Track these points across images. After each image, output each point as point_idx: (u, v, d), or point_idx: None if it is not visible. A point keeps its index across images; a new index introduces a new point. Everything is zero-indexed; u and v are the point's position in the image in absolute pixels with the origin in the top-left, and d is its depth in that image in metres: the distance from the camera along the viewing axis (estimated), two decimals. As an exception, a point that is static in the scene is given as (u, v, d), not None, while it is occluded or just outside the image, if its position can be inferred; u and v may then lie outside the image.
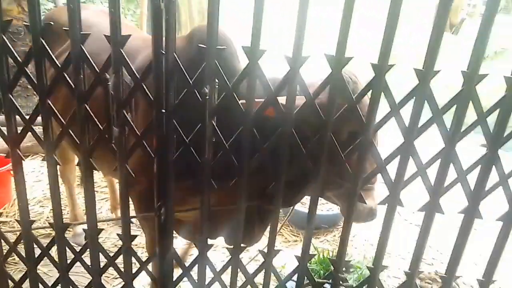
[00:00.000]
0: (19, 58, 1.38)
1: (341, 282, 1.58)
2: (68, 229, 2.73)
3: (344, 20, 1.20)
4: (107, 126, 1.39)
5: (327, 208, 3.21)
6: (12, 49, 1.37)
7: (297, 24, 1.21)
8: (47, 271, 2.33)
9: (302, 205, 3.06)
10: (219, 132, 1.36)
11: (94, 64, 1.33)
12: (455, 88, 1.26)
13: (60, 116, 1.42)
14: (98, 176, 3.55)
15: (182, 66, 1.29)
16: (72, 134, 1.44)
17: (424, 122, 1.29)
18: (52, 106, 1.40)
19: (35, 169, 3.64)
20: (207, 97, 1.29)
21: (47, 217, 2.99)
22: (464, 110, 1.25)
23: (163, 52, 1.27)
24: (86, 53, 1.32)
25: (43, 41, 1.33)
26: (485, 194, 1.36)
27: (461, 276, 1.52)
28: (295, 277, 1.60)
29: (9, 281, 1.77)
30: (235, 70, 1.56)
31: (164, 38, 1.26)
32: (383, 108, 1.29)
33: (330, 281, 1.60)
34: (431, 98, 1.25)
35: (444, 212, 1.39)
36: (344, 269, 1.59)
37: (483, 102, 1.24)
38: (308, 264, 1.69)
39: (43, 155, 1.50)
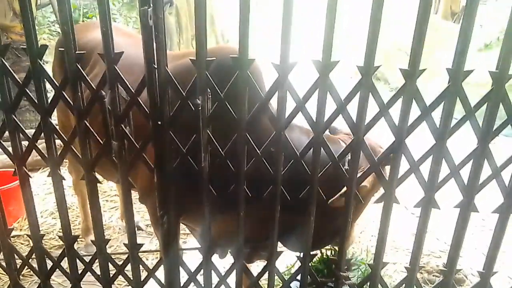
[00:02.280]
0: (19, 80, 1.43)
1: (343, 280, 1.61)
2: (80, 239, 2.81)
3: (328, 24, 1.22)
4: (107, 140, 1.44)
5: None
6: (12, 72, 1.43)
7: (283, 30, 1.25)
8: (62, 282, 2.39)
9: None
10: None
11: (90, 82, 1.38)
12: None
13: (62, 134, 1.48)
14: (107, 185, 3.61)
15: (174, 79, 1.33)
16: (74, 149, 1.49)
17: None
18: (53, 124, 1.46)
19: (46, 181, 3.72)
20: (200, 108, 1.32)
21: (59, 229, 3.06)
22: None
23: (155, 66, 1.31)
24: (83, 71, 1.37)
25: (40, 63, 1.38)
26: (479, 188, 1.38)
27: (462, 269, 1.54)
28: (299, 277, 1.64)
29: (25, 293, 1.84)
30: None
31: (155, 53, 1.30)
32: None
33: (333, 279, 1.63)
34: (419, 97, 1.27)
35: (440, 207, 1.41)
36: (346, 267, 1.62)
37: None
38: (312, 264, 1.72)
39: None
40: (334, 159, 1.39)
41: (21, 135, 1.52)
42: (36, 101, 1.44)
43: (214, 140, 1.41)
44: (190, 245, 2.72)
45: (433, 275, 2.35)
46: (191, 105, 1.36)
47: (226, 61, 1.33)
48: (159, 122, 1.39)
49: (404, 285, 1.58)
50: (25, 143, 1.52)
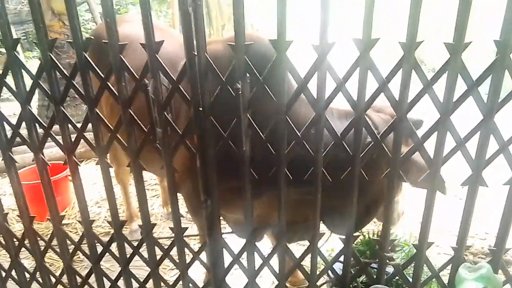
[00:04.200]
0: (66, 73, 1.49)
1: (388, 261, 1.60)
2: (125, 226, 2.92)
3: (368, 2, 1.20)
4: (151, 128, 1.48)
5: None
6: (60, 65, 1.49)
7: (321, 10, 1.24)
8: (109, 266, 2.50)
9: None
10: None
11: (133, 71, 1.42)
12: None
13: (108, 123, 1.53)
14: (148, 175, 3.72)
15: (214, 66, 1.35)
16: (120, 138, 1.55)
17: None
18: (100, 114, 1.52)
19: (89, 173, 3.87)
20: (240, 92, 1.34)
21: (105, 217, 3.20)
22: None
23: (195, 53, 1.33)
24: (126, 62, 1.41)
25: (86, 55, 1.43)
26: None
27: (511, 248, 1.49)
28: (342, 259, 1.64)
29: (77, 277, 1.94)
30: None
31: (194, 40, 1.32)
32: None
33: (376, 260, 1.63)
34: (465, 72, 1.23)
35: (487, 185, 1.37)
36: (389, 248, 1.60)
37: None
38: (355, 245, 1.72)
39: (96, 159, 1.63)
40: (376, 139, 1.38)
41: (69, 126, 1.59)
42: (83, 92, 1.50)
43: (254, 124, 1.42)
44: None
45: (478, 257, 2.29)
46: (231, 90, 1.38)
47: (264, 45, 1.33)
48: (200, 108, 1.42)
49: (450, 265, 1.56)
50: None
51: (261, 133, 1.43)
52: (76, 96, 4.77)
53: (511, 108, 1.35)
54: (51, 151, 3.82)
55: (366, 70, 1.28)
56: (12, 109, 4.80)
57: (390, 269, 1.68)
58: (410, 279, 1.62)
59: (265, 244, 2.59)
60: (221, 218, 1.66)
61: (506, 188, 1.41)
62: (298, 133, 1.41)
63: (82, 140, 1.60)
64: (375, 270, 1.66)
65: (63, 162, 1.68)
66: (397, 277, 1.66)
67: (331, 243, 2.16)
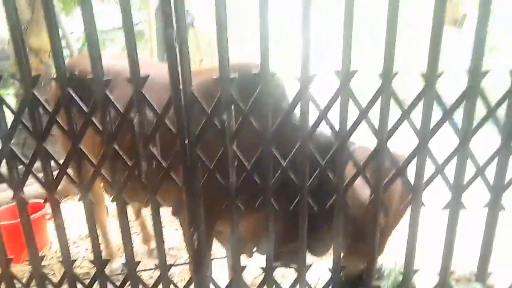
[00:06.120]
0: (49, 109, 1.49)
1: (375, 289, 1.60)
2: (105, 266, 2.82)
3: (346, 35, 1.27)
4: (136, 162, 1.47)
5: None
6: (43, 102, 1.48)
7: (303, 44, 1.29)
8: (89, 309, 2.39)
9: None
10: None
11: (118, 107, 1.42)
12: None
13: (92, 159, 1.52)
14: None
15: (199, 100, 1.38)
16: (104, 174, 1.53)
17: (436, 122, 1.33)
18: (84, 150, 1.50)
19: (67, 211, 3.75)
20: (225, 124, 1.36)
21: (83, 257, 3.09)
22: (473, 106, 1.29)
23: (181, 87, 1.35)
24: (111, 97, 1.42)
25: (69, 90, 1.44)
26: (507, 186, 1.39)
27: (493, 272, 1.52)
28: (330, 288, 1.64)
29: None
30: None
31: (180, 73, 1.35)
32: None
33: (365, 288, 1.62)
34: (439, 100, 1.30)
35: (465, 207, 1.41)
36: (376, 276, 1.61)
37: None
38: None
39: (75, 197, 1.60)
40: (360, 168, 1.41)
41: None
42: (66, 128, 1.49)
43: (240, 155, 1.44)
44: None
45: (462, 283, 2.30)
46: (217, 123, 1.40)
47: (249, 78, 1.37)
48: (186, 141, 1.43)
49: (437, 290, 1.57)
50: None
51: (246, 164, 1.45)
52: (53, 133, 4.68)
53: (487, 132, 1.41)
54: (27, 189, 3.70)
55: (346, 100, 1.33)
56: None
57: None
58: (398, 306, 1.62)
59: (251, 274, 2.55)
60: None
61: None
62: (283, 163, 1.44)
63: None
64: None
65: (43, 200, 1.64)
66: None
67: (317, 272, 2.15)
